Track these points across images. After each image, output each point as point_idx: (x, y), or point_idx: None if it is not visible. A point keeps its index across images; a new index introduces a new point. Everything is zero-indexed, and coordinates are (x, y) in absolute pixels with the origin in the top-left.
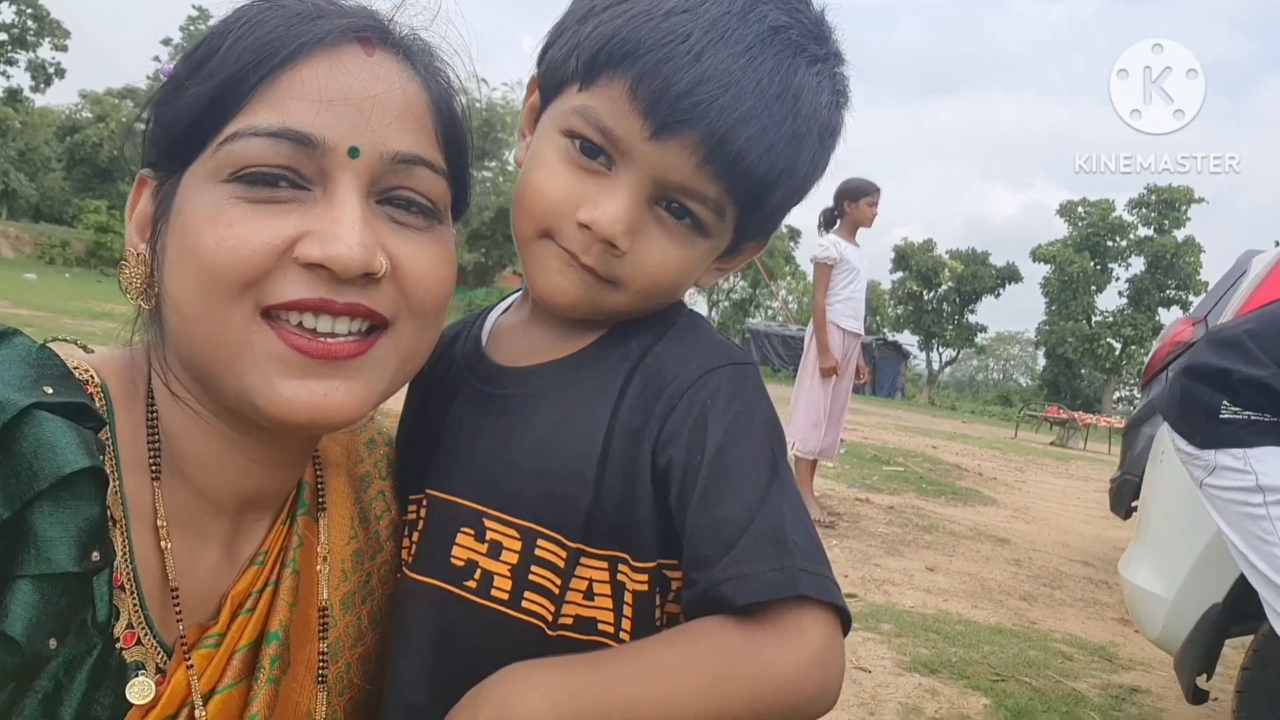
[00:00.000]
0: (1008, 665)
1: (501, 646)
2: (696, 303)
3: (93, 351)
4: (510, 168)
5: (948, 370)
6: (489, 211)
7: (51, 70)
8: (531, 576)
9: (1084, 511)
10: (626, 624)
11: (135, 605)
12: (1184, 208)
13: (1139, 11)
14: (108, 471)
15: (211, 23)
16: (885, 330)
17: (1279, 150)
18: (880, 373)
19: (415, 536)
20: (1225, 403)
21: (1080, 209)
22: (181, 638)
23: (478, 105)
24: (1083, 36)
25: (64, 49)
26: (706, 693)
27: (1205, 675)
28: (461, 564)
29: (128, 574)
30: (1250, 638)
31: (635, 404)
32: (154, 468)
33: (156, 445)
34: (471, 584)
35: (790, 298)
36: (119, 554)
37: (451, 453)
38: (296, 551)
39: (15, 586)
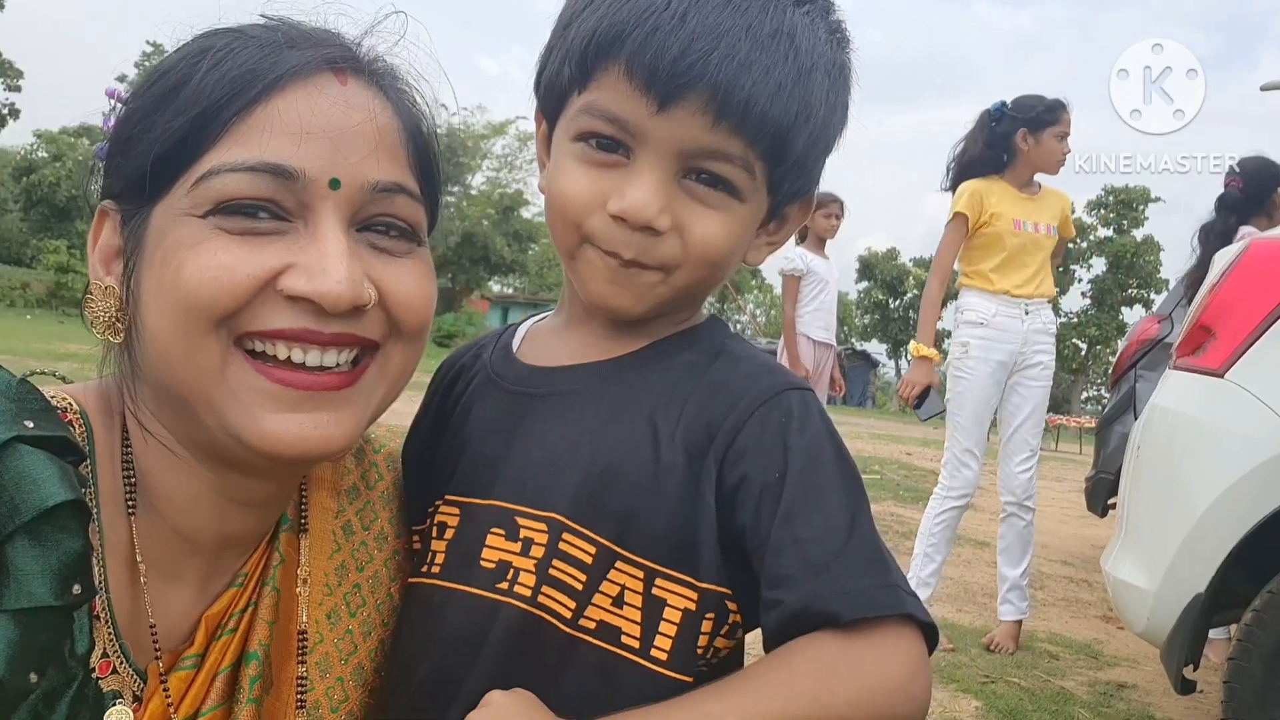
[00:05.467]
0: (995, 667)
1: (527, 647)
2: None
3: (71, 383)
4: (474, 192)
5: None
6: (454, 237)
7: (5, 111)
8: (552, 570)
9: (1060, 511)
10: (664, 642)
11: (110, 634)
12: (1141, 207)
13: (1104, 15)
14: (89, 504)
15: (171, 50)
16: (853, 340)
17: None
18: (850, 382)
19: (441, 545)
20: None
21: None
22: (156, 657)
23: (439, 131)
24: (1047, 40)
25: (18, 89)
26: (805, 702)
27: (1192, 666)
28: (493, 565)
29: (103, 604)
30: (1234, 627)
31: (696, 417)
32: (130, 503)
33: (132, 480)
34: (504, 585)
35: (758, 311)
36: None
37: (480, 458)
38: (277, 569)
39: None
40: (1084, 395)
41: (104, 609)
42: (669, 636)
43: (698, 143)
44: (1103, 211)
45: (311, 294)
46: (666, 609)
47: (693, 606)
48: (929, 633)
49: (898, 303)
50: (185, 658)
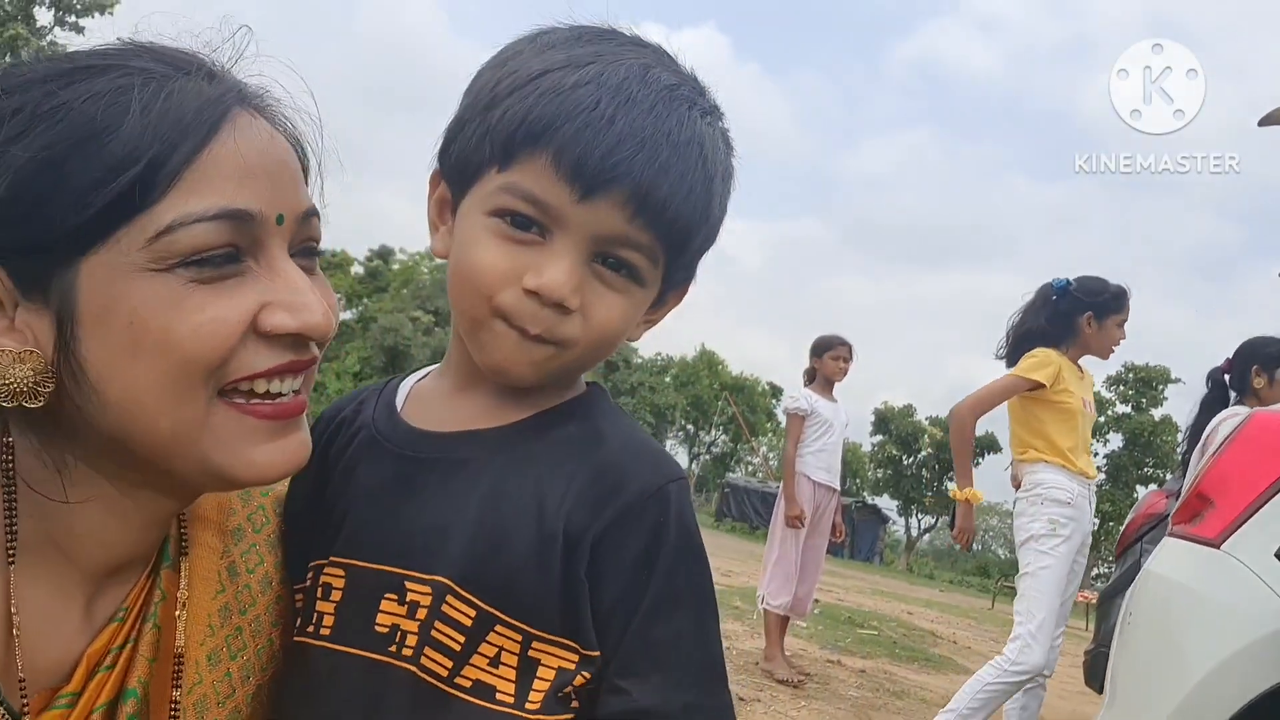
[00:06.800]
0: None
1: (412, 707)
2: (677, 454)
3: None
4: None
5: (926, 538)
6: None
7: None
8: (433, 633)
9: (1059, 685)
10: (536, 696)
11: None
12: (1161, 387)
13: (1136, 193)
14: None
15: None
16: (865, 493)
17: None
18: (859, 536)
19: (329, 607)
20: None
21: None
22: (24, 702)
23: None
24: (1078, 215)
25: None
26: None
27: None
28: (385, 630)
29: None
30: None
31: (581, 495)
32: (10, 552)
33: (13, 530)
34: (393, 648)
35: (771, 454)
36: None
37: (368, 522)
38: (158, 606)
39: None
40: (1094, 572)
41: None
42: (541, 691)
43: (614, 231)
44: (1122, 388)
45: (301, 328)
46: (540, 668)
47: (570, 666)
48: None
49: (911, 460)
50: (60, 696)
